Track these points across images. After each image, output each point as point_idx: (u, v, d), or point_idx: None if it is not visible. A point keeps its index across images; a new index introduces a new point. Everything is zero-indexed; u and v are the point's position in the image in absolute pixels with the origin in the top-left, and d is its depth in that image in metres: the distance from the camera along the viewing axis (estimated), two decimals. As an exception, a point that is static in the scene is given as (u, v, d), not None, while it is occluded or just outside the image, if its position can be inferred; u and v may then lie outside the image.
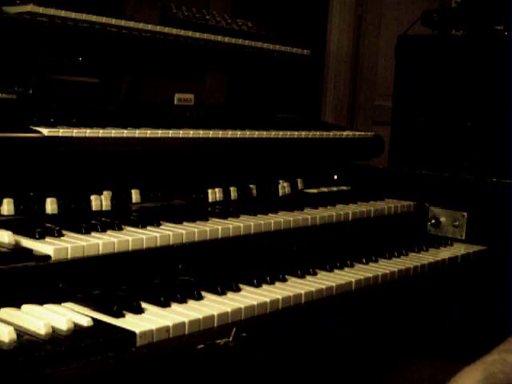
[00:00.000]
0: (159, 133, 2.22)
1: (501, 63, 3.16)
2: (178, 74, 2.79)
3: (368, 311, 2.20)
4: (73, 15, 2.30)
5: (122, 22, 2.46)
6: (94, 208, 2.00)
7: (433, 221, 2.74)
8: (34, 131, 1.92)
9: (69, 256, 1.68)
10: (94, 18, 2.36)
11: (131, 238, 1.81)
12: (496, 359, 1.52)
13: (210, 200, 2.28)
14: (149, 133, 2.19)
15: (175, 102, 2.71)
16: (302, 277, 2.03)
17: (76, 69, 2.45)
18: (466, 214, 2.70)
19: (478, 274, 2.59)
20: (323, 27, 3.91)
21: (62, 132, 1.97)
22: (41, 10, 2.21)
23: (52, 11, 2.24)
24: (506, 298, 2.76)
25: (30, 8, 2.18)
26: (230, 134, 2.42)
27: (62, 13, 2.27)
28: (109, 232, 1.84)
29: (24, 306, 1.54)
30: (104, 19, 2.40)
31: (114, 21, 2.43)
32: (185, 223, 2.01)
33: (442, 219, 2.73)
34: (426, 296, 2.42)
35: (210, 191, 2.29)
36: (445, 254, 2.50)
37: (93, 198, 2.01)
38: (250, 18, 3.08)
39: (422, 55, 3.44)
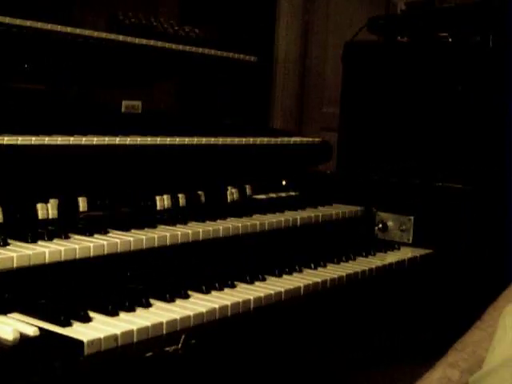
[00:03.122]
0: (106, 140, 2.21)
1: (445, 69, 3.20)
2: (126, 80, 2.78)
3: (317, 316, 2.22)
4: (17, 21, 2.28)
5: (68, 29, 2.45)
6: (40, 216, 1.97)
7: (380, 225, 2.77)
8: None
9: (14, 265, 1.65)
10: (39, 24, 2.34)
11: (78, 246, 1.80)
12: (440, 377, 1.52)
13: (158, 207, 2.27)
14: (95, 140, 2.18)
15: (123, 110, 2.70)
16: (251, 283, 2.03)
17: (22, 76, 2.43)
18: (412, 218, 2.73)
19: (425, 278, 2.63)
20: (270, 34, 3.94)
21: (6, 140, 1.95)
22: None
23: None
24: (452, 300, 2.81)
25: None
26: (177, 140, 2.42)
27: (7, 19, 2.25)
28: (55, 240, 1.82)
29: (-31, 317, 1.52)
30: (49, 26, 2.38)
31: (59, 27, 2.41)
32: (133, 231, 2.00)
33: (390, 223, 2.76)
34: (374, 300, 2.45)
35: (158, 198, 2.28)
36: (392, 257, 2.53)
37: (39, 206, 1.98)
38: (199, 25, 3.08)
39: (368, 61, 3.47)
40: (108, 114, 2.65)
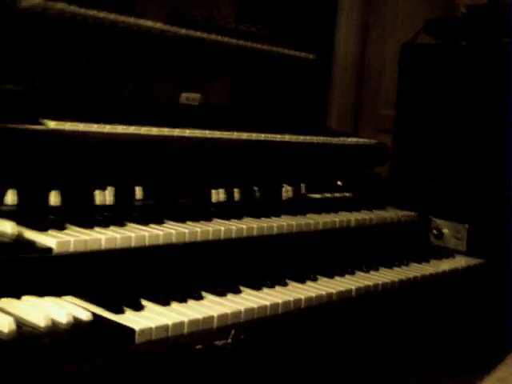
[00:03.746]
0: (165, 131, 2.21)
1: (505, 74, 3.15)
2: (185, 73, 2.78)
3: (366, 319, 2.19)
4: (82, 11, 2.29)
5: (131, 20, 2.45)
6: (97, 203, 1.99)
7: (435, 231, 2.73)
8: (41, 124, 1.91)
9: (71, 249, 1.66)
10: (102, 14, 2.35)
11: (134, 234, 1.80)
12: None
13: (213, 200, 2.27)
14: (155, 130, 2.19)
15: (181, 101, 2.70)
16: (303, 282, 2.02)
17: (84, 64, 2.45)
18: (467, 226, 2.69)
19: (478, 287, 2.58)
20: (330, 33, 3.91)
21: (68, 126, 1.96)
22: (50, 4, 2.19)
23: (61, 5, 2.23)
24: (503, 312, 2.76)
25: (39, 2, 2.17)
26: (235, 135, 2.42)
27: (71, 8, 2.26)
28: (111, 227, 1.82)
29: (24, 298, 1.53)
30: (113, 16, 2.39)
31: (122, 18, 2.42)
32: (188, 222, 2.00)
33: (445, 230, 2.72)
34: (425, 307, 2.42)
35: (213, 191, 2.28)
36: (446, 265, 2.50)
37: (96, 192, 1.99)
38: (258, 22, 3.07)
39: (425, 64, 3.44)
40: (167, 106, 2.66)
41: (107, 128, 2.06)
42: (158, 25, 2.55)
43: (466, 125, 3.24)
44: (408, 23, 3.90)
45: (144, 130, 2.16)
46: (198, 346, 1.63)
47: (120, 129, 2.10)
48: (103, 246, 1.73)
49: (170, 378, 1.63)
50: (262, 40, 2.97)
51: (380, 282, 2.16)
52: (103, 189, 2.02)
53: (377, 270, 2.27)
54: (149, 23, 2.51)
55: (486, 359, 1.66)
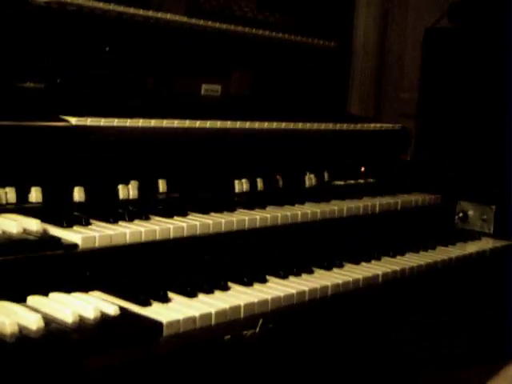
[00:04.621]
0: (187, 123, 2.21)
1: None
2: (205, 64, 2.78)
3: (394, 305, 2.18)
4: (100, 5, 2.29)
5: (150, 13, 2.46)
6: (121, 197, 2.00)
7: (460, 214, 2.71)
8: (63, 120, 1.92)
9: (96, 245, 1.68)
10: (121, 8, 2.36)
11: (158, 227, 1.81)
12: None
13: (236, 191, 2.27)
14: (176, 123, 2.18)
15: (202, 93, 2.70)
16: (329, 269, 2.02)
17: (103, 59, 2.45)
18: (494, 207, 2.67)
19: (505, 269, 2.56)
20: (349, 19, 3.88)
21: (90, 121, 1.97)
22: (68, -1, 2.21)
23: (80, 1, 2.23)
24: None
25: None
26: (257, 125, 2.41)
27: (90, 2, 2.27)
28: (136, 221, 1.83)
29: (51, 294, 1.54)
30: (132, 10, 2.39)
31: (141, 11, 2.42)
32: (211, 214, 2.00)
33: (470, 213, 2.70)
34: (453, 290, 2.40)
35: (236, 182, 2.28)
36: (472, 247, 2.48)
37: (120, 187, 2.00)
38: (277, 11, 3.06)
39: (449, 48, 3.41)
40: (188, 98, 2.66)
41: (128, 122, 2.06)
42: (177, 17, 2.55)
43: (487, 108, 3.21)
44: (429, 9, 3.87)
45: (166, 123, 2.16)
46: (226, 337, 1.63)
47: (141, 122, 2.09)
48: (128, 240, 1.74)
49: (198, 369, 1.64)
50: (281, 29, 2.96)
51: (407, 267, 2.15)
52: (126, 183, 2.02)
53: (403, 254, 2.26)
54: (167, 16, 2.51)
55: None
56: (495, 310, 2.60)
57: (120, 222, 1.81)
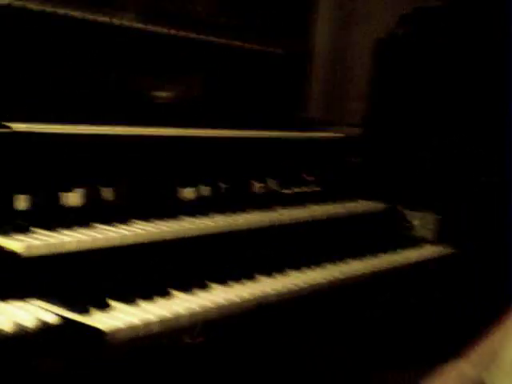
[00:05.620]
0: (137, 130, 2.20)
1: (479, 64, 3.18)
2: (157, 70, 2.77)
3: (336, 312, 2.21)
4: (46, 8, 2.26)
5: (99, 17, 2.45)
6: (64, 205, 1.97)
7: (404, 222, 2.75)
8: (3, 126, 1.88)
9: (38, 253, 1.67)
10: (77, 13, 2.34)
11: (101, 235, 1.81)
12: (457, 374, 1.52)
13: (180, 198, 2.27)
14: (127, 130, 2.18)
15: (153, 99, 2.70)
16: (271, 275, 2.04)
17: (49, 64, 2.43)
18: (436, 216, 2.71)
19: (447, 277, 2.61)
20: (304, 27, 3.91)
21: (31, 127, 1.93)
22: (15, 2, 2.18)
23: (26, 4, 2.21)
24: (472, 299, 2.79)
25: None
26: (206, 133, 2.41)
27: (32, 5, 2.24)
28: (78, 229, 1.83)
29: (-10, 303, 1.54)
30: (83, 14, 2.38)
31: (90, 16, 2.41)
32: (155, 221, 2.00)
33: (413, 220, 2.74)
34: (395, 297, 2.44)
35: (181, 189, 2.28)
36: (414, 255, 2.52)
37: (63, 194, 1.98)
38: (233, 17, 3.07)
39: (398, 57, 3.46)
40: (139, 103, 2.65)
41: (76, 129, 2.05)
42: (133, 24, 2.54)
43: (436, 118, 3.26)
44: (381, 17, 3.92)
45: (114, 130, 2.15)
46: (167, 343, 1.64)
47: (91, 129, 2.08)
48: (69, 248, 1.73)
49: (140, 375, 1.65)
50: (236, 36, 2.97)
51: (350, 274, 2.18)
52: (71, 190, 2.01)
53: (346, 262, 2.29)
54: (121, 21, 2.50)
55: (455, 347, 1.68)
56: (438, 313, 2.65)
57: (62, 230, 1.80)
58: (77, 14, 2.37)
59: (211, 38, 2.81)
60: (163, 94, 2.75)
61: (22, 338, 1.43)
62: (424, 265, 2.49)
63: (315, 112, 3.88)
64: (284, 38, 3.23)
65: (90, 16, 2.41)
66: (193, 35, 2.75)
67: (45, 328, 1.48)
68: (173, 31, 2.70)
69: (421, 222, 2.74)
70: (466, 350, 1.60)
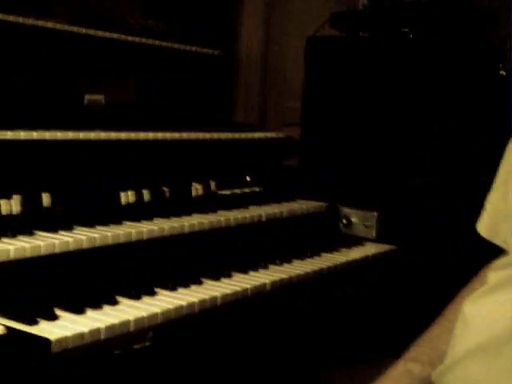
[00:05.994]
0: (69, 134, 2.17)
1: (406, 64, 3.23)
2: (87, 73, 2.74)
3: (284, 312, 2.22)
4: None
5: (30, 21, 2.40)
6: (3, 213, 1.94)
7: (344, 221, 2.77)
8: None
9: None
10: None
11: (43, 242, 1.77)
12: (402, 372, 1.52)
13: (122, 203, 2.24)
14: (59, 135, 2.14)
15: (85, 103, 2.66)
16: (217, 279, 2.03)
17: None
18: (376, 213, 2.74)
19: (389, 273, 2.64)
20: (234, 28, 3.92)
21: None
22: None
23: None
24: (415, 296, 2.83)
25: None
26: (141, 135, 2.39)
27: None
28: (20, 237, 1.79)
29: None
30: (11, 17, 2.33)
31: (11, 17, 2.36)
32: (97, 227, 1.97)
33: (353, 219, 2.77)
34: (339, 295, 2.46)
35: (122, 194, 2.25)
36: (356, 253, 2.54)
37: (2, 202, 1.95)
38: (161, 19, 3.06)
39: (330, 56, 3.49)
40: (70, 108, 2.61)
41: (9, 134, 2.01)
42: (57, 25, 2.50)
43: (368, 114, 3.30)
44: (311, 17, 3.94)
45: (48, 135, 2.11)
46: (116, 351, 1.62)
47: (23, 134, 2.05)
48: (12, 256, 1.70)
49: (88, 382, 1.62)
50: (165, 37, 2.95)
51: (294, 275, 2.19)
52: (9, 198, 1.97)
53: (290, 262, 2.29)
54: (48, 24, 2.46)
55: (400, 345, 1.69)
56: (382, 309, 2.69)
57: (3, 239, 1.76)
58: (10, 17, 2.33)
59: (140, 40, 2.80)
60: (98, 96, 2.71)
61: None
62: (366, 262, 2.52)
63: (251, 112, 3.89)
64: (212, 39, 3.23)
65: (18, 19, 2.37)
66: (123, 37, 2.74)
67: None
68: (105, 33, 2.67)
69: (359, 219, 2.77)
70: (408, 345, 1.61)
